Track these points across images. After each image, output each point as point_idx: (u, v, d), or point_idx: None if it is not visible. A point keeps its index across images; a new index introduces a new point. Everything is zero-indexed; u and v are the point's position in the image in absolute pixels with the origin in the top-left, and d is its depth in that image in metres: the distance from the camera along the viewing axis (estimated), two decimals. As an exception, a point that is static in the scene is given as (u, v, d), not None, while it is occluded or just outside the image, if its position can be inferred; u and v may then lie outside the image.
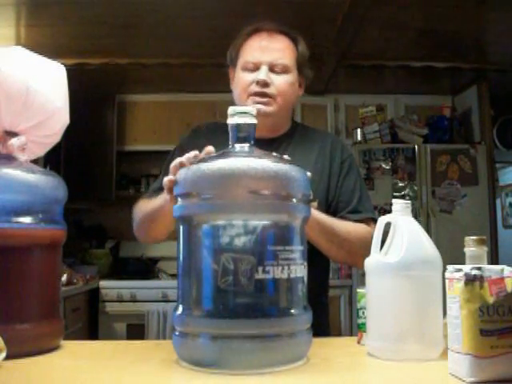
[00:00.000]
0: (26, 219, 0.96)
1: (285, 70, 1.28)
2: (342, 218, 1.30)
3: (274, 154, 0.94)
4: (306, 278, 0.88)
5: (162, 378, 0.83)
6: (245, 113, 0.92)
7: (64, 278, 3.03)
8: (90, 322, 3.48)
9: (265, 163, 0.85)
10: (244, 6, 2.66)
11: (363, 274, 0.97)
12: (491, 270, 0.75)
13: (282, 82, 1.28)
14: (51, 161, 3.03)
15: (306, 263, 0.88)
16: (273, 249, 0.82)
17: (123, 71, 3.59)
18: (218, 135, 1.05)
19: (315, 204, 1.13)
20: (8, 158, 1.01)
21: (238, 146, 0.91)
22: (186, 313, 0.85)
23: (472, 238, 0.81)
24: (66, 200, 1.07)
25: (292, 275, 0.84)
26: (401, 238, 0.92)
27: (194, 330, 0.84)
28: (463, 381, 0.75)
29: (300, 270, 0.86)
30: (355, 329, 1.11)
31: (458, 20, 2.86)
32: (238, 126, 0.92)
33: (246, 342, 0.80)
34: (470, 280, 0.75)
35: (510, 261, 0.99)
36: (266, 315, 0.82)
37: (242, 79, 1.30)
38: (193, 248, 0.87)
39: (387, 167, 3.60)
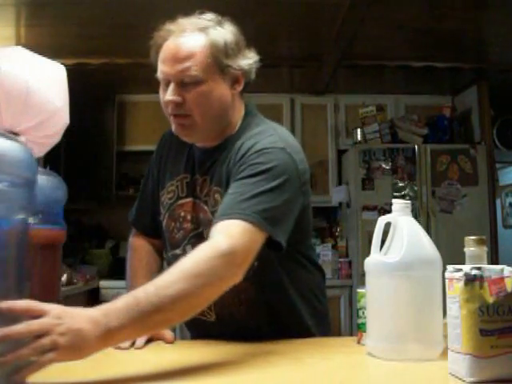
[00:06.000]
0: (26, 219, 0.97)
1: (195, 82, 1.09)
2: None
3: None
4: None
5: (161, 377, 0.83)
6: None
7: (64, 277, 3.03)
8: (90, 322, 3.47)
9: None
10: (244, 6, 2.66)
11: (363, 274, 0.97)
12: (491, 270, 0.75)
13: (194, 97, 1.10)
14: (51, 161, 3.02)
15: None
16: None
17: (123, 71, 3.59)
18: (174, 141, 1.10)
19: None
20: (8, 158, 1.01)
21: None
22: None
23: (472, 237, 0.81)
24: (66, 200, 1.07)
25: None
26: (401, 238, 0.92)
27: None
28: (463, 381, 0.75)
29: None
30: (355, 329, 1.11)
31: (458, 20, 2.86)
32: None
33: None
34: (469, 280, 0.75)
35: (510, 261, 0.99)
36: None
37: (161, 97, 1.15)
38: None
39: (387, 167, 3.59)
